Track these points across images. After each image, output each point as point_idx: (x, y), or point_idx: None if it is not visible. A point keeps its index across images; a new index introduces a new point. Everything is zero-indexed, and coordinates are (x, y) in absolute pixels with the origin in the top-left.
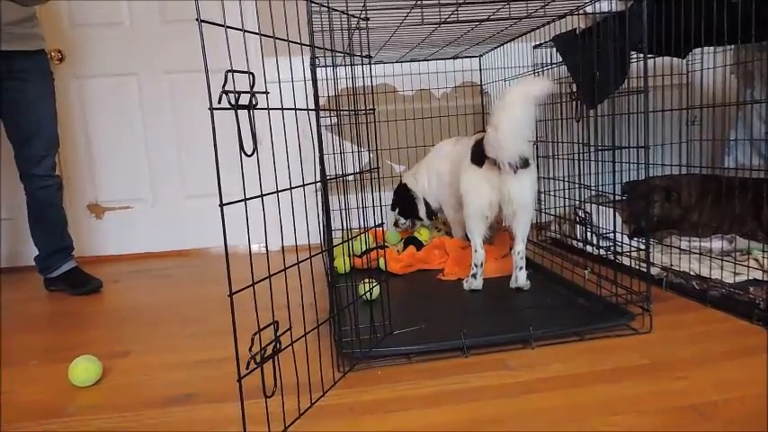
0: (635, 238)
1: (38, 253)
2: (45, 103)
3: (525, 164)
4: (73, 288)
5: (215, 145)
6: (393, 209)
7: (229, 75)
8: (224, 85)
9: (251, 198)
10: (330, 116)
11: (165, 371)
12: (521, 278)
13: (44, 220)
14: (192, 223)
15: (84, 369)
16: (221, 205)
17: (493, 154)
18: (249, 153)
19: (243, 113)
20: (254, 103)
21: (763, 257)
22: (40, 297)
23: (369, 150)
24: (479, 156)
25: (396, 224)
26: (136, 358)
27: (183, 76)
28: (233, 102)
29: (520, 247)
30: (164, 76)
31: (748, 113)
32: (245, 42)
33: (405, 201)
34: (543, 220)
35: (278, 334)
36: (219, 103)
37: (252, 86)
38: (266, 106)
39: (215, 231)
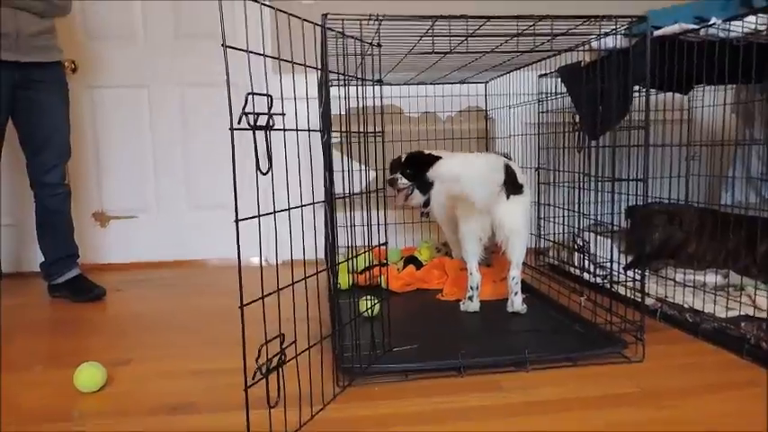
0: (630, 269)
1: (43, 259)
2: (59, 113)
3: (518, 190)
4: (76, 295)
5: (233, 162)
6: (399, 169)
7: (249, 97)
8: (244, 107)
9: (264, 215)
10: (341, 135)
11: (167, 379)
12: (516, 303)
13: (51, 228)
14: (197, 234)
15: (89, 375)
16: (236, 221)
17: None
18: (264, 171)
19: (259, 134)
20: (271, 124)
21: (756, 294)
22: (43, 303)
23: (376, 169)
24: None
25: (392, 182)
26: (139, 366)
27: (194, 90)
28: (251, 123)
29: (515, 272)
30: (175, 90)
31: (747, 152)
32: (264, 66)
33: (429, 166)
34: (542, 246)
35: (283, 346)
36: (239, 123)
37: (270, 108)
38: (282, 127)
39: (219, 243)
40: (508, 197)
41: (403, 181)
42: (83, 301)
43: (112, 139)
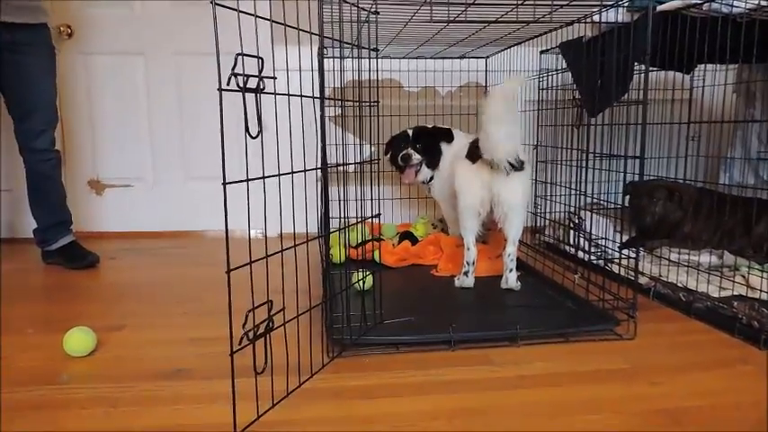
0: (626, 248)
1: (36, 226)
2: (46, 78)
3: (520, 166)
4: (69, 262)
5: (221, 125)
6: (404, 145)
7: (239, 58)
8: (233, 68)
9: (253, 179)
10: (335, 106)
11: (158, 346)
12: (511, 279)
13: (43, 194)
14: (192, 205)
15: (78, 340)
16: (224, 184)
17: (488, 156)
18: (254, 135)
19: (250, 97)
20: (261, 87)
21: (749, 274)
22: (37, 269)
23: (371, 144)
24: (474, 153)
25: (406, 158)
26: (130, 332)
27: (191, 58)
28: (241, 84)
29: (510, 249)
30: (171, 58)
31: (747, 132)
32: (256, 27)
33: (439, 140)
34: (539, 225)
35: (271, 313)
36: (228, 84)
37: (260, 71)
38: (273, 91)
39: (214, 214)
40: (508, 173)
41: (417, 156)
42: (76, 268)
43: (108, 106)
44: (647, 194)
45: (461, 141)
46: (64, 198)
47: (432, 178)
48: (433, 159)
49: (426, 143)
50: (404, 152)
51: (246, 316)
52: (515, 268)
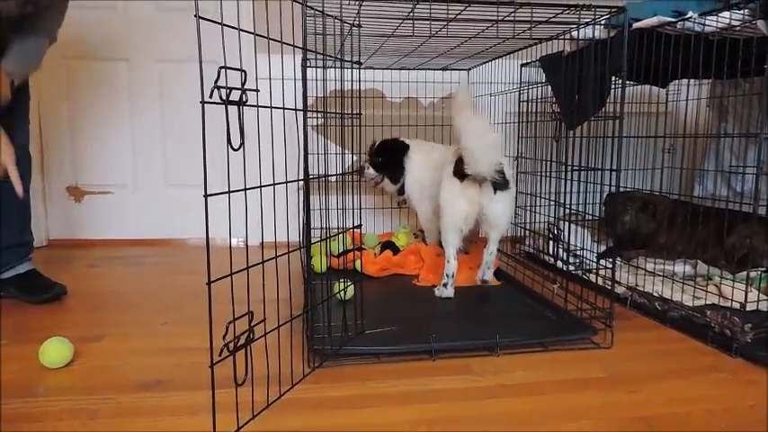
0: (603, 259)
1: None
2: (24, 117)
3: (505, 185)
4: (27, 294)
5: (203, 137)
6: (370, 156)
7: (222, 70)
8: (216, 80)
9: (235, 191)
10: (317, 116)
11: (137, 357)
12: (488, 273)
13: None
14: (173, 213)
15: (55, 350)
16: (206, 196)
17: (472, 171)
18: (236, 147)
19: (232, 109)
20: (244, 99)
21: (722, 284)
22: None
23: (353, 153)
24: (462, 170)
25: (360, 171)
26: (109, 343)
27: (174, 65)
28: (224, 97)
29: (492, 247)
30: (154, 64)
31: (720, 146)
32: (239, 40)
33: (396, 156)
34: (520, 234)
35: (252, 324)
36: (211, 97)
37: (243, 83)
38: (256, 103)
39: (195, 222)
40: (495, 192)
41: (370, 171)
42: (36, 302)
43: (89, 112)
44: (623, 206)
45: (434, 155)
46: (29, 216)
47: (402, 190)
48: (394, 173)
49: (388, 156)
50: (359, 166)
51: (227, 327)
52: (492, 267)
